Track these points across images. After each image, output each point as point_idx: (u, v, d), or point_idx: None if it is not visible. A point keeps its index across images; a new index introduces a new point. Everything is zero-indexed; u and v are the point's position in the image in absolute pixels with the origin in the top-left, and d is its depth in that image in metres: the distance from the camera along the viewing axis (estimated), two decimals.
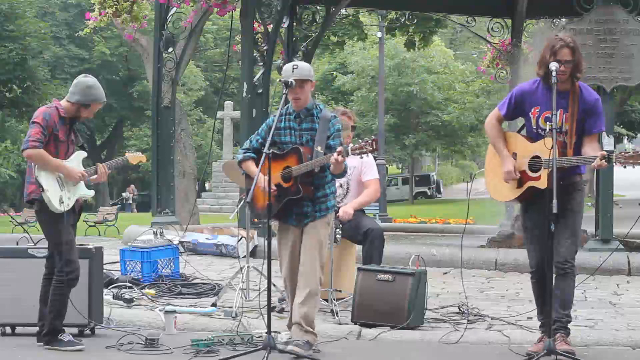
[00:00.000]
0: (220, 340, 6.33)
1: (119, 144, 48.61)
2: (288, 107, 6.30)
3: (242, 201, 7.83)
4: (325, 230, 6.34)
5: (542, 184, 5.85)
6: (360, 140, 6.10)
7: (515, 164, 5.99)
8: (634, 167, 5.70)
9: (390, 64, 38.12)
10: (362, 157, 6.31)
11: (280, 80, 6.19)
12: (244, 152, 6.46)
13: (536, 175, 5.91)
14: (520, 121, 6.28)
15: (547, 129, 5.86)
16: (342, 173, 6.27)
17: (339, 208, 7.71)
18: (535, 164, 5.93)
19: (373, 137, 6.21)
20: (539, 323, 6.17)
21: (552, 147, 5.71)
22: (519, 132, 6.20)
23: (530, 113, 6.01)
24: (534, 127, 6.01)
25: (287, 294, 6.43)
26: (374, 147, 6.00)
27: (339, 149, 6.02)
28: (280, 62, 13.98)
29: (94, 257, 6.81)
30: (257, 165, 6.26)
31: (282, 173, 6.22)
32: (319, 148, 6.15)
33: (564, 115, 5.90)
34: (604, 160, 5.65)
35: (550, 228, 5.70)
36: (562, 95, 5.90)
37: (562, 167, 5.79)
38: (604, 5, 10.75)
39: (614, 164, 5.73)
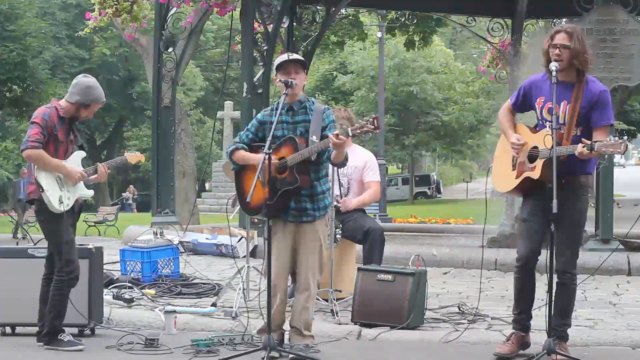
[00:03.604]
0: (220, 340, 6.33)
1: (119, 144, 48.63)
2: (279, 101, 6.17)
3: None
4: (325, 230, 6.30)
5: (535, 174, 5.83)
6: (360, 121, 5.91)
7: (519, 136, 5.94)
8: (614, 156, 5.67)
9: (390, 64, 38.12)
10: (363, 134, 5.91)
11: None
12: (234, 144, 6.28)
13: (532, 165, 5.88)
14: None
15: (550, 121, 5.84)
16: (344, 161, 6.11)
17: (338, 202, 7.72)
18: (533, 154, 5.90)
19: (374, 115, 6.01)
20: (512, 318, 6.15)
21: (553, 147, 5.69)
22: (534, 127, 6.18)
23: (535, 103, 6.00)
24: (539, 118, 5.99)
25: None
26: (375, 125, 5.76)
27: (335, 131, 5.85)
28: None
29: (94, 257, 6.81)
30: (247, 166, 6.15)
31: (276, 165, 6.01)
32: (314, 137, 6.00)
33: (567, 107, 5.87)
34: (585, 149, 5.60)
35: (550, 229, 5.70)
36: (568, 87, 5.87)
37: (558, 158, 5.72)
38: (604, 5, 10.74)
39: (597, 152, 5.67)
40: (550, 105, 5.85)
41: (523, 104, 6.13)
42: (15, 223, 20.82)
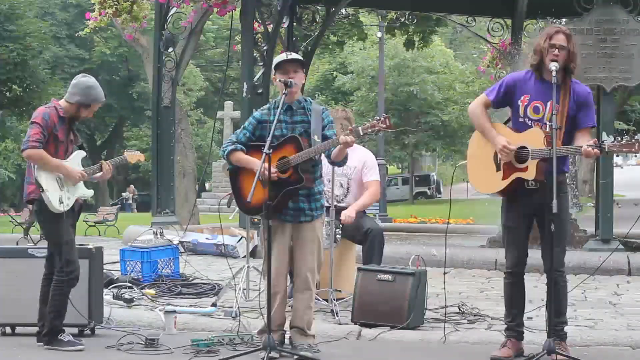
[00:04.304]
0: (220, 340, 6.33)
1: (119, 144, 48.64)
2: (276, 101, 6.15)
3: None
4: (322, 229, 6.30)
5: (529, 174, 5.79)
6: (370, 120, 5.86)
7: (506, 140, 5.85)
8: (627, 156, 5.64)
9: (390, 64, 38.13)
10: (374, 134, 5.91)
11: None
12: (232, 144, 6.17)
13: (523, 166, 5.84)
14: (504, 116, 6.22)
15: (545, 122, 5.82)
16: (344, 160, 6.11)
17: (341, 208, 7.71)
18: (522, 154, 5.84)
19: (384, 115, 5.96)
20: (505, 326, 6.15)
21: (553, 147, 5.68)
22: (504, 123, 6.13)
23: (519, 101, 5.92)
24: (522, 116, 5.92)
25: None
26: (388, 124, 5.72)
27: (349, 129, 5.84)
28: None
29: (94, 257, 6.82)
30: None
31: (278, 164, 5.99)
32: (315, 137, 5.99)
33: (555, 107, 5.86)
34: (595, 149, 5.60)
35: (550, 228, 5.70)
36: (554, 88, 5.87)
37: (547, 158, 5.70)
38: (604, 5, 10.76)
39: (606, 152, 5.67)
40: (536, 104, 5.85)
41: (502, 100, 6.04)
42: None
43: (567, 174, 6.12)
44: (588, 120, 5.89)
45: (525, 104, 5.91)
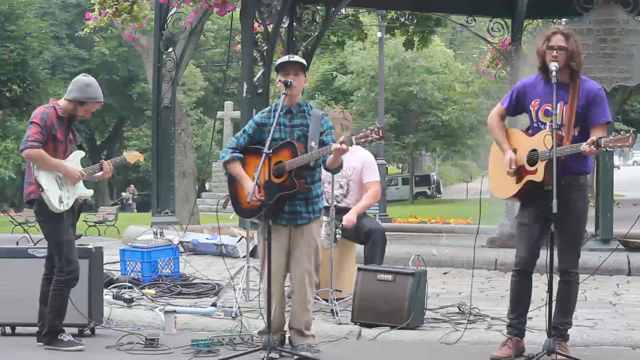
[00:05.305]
0: (220, 340, 6.33)
1: (119, 144, 48.64)
2: (277, 103, 6.14)
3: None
4: (319, 231, 6.31)
5: (537, 177, 5.81)
6: (364, 129, 5.88)
7: (513, 156, 5.92)
8: (622, 150, 5.64)
9: (390, 64, 38.13)
10: (367, 144, 5.94)
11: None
12: (232, 152, 6.21)
13: (533, 168, 5.86)
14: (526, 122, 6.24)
15: (547, 124, 5.83)
16: (338, 168, 6.12)
17: (340, 209, 7.70)
18: (533, 157, 5.87)
19: (379, 125, 5.96)
20: (507, 322, 6.15)
21: (553, 147, 5.68)
22: (526, 130, 6.17)
23: (530, 106, 5.96)
24: (534, 120, 5.96)
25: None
26: (381, 135, 5.75)
27: (342, 138, 5.84)
28: None
29: (94, 257, 6.82)
30: (243, 166, 6.14)
31: (273, 168, 6.01)
32: (312, 143, 5.99)
33: (564, 108, 5.84)
34: (592, 146, 5.60)
35: (550, 228, 5.70)
36: (562, 88, 5.83)
37: (559, 159, 5.70)
38: (604, 5, 10.74)
39: (603, 148, 5.67)
40: (547, 107, 5.85)
41: (516, 107, 6.09)
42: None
43: (588, 175, 6.11)
44: (600, 117, 5.87)
45: (536, 108, 5.94)
